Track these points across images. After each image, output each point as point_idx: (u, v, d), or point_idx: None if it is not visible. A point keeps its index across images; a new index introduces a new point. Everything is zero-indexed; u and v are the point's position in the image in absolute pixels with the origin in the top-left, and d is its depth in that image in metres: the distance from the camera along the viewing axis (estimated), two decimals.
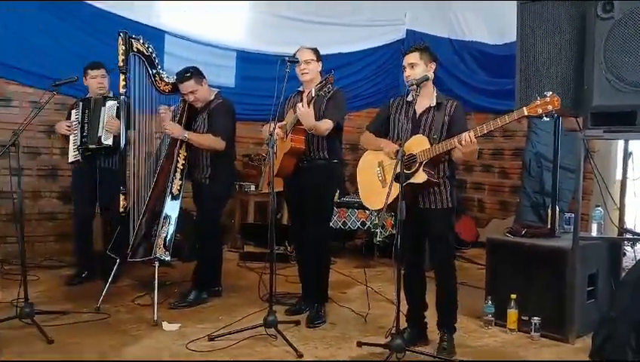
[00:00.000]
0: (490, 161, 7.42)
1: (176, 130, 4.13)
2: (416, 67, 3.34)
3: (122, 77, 4.11)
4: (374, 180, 3.47)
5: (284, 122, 3.91)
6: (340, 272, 5.23)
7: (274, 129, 3.62)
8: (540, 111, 2.97)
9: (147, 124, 4.23)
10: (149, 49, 4.16)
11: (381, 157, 3.45)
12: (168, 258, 4.09)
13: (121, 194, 4.22)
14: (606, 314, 3.13)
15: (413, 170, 3.24)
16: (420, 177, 3.23)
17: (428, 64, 3.35)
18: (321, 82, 3.68)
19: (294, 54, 3.89)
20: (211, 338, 3.52)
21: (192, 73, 4.15)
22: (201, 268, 4.38)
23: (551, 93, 2.98)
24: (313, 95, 3.66)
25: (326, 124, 3.77)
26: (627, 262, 4.50)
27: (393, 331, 3.18)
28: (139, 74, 4.15)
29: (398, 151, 3.13)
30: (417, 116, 3.38)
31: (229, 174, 4.43)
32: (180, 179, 4.19)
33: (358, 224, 5.84)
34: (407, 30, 7.80)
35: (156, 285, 3.92)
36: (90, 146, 4.59)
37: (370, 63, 7.65)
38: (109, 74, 4.70)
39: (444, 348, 3.39)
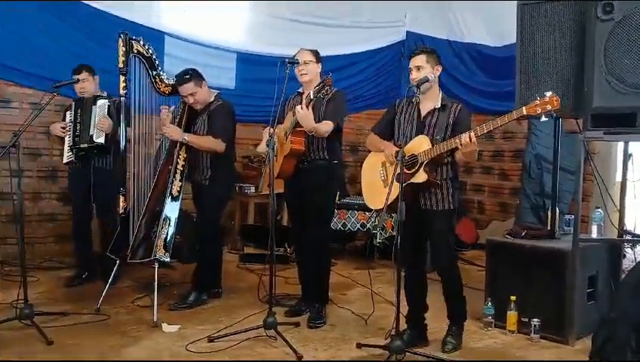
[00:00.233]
0: (490, 163, 7.42)
1: (175, 133, 4.13)
2: (422, 70, 3.35)
3: (122, 78, 4.12)
4: (377, 181, 3.49)
5: (282, 125, 3.91)
6: (340, 274, 5.23)
7: (273, 130, 3.63)
8: (539, 111, 2.98)
9: (147, 126, 4.23)
10: (149, 50, 4.17)
11: (384, 158, 3.47)
12: (168, 259, 4.10)
13: (120, 195, 4.23)
14: (606, 316, 3.11)
15: (414, 170, 3.25)
16: (421, 177, 3.24)
17: (434, 67, 3.37)
18: (319, 84, 3.68)
19: (294, 56, 3.90)
20: (211, 340, 3.51)
21: (191, 75, 4.15)
22: (201, 269, 4.38)
23: (551, 93, 2.98)
24: (311, 97, 3.66)
25: (326, 126, 3.77)
26: (627, 263, 4.49)
27: (393, 332, 3.18)
28: (139, 75, 4.16)
29: (397, 153, 3.14)
30: (422, 117, 3.40)
31: (229, 176, 4.43)
32: (179, 181, 4.19)
33: (358, 226, 5.84)
34: (407, 32, 7.80)
35: (156, 286, 3.92)
36: (82, 146, 4.58)
37: (370, 65, 7.65)
38: (93, 75, 4.66)
39: (448, 343, 3.44)
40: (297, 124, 3.74)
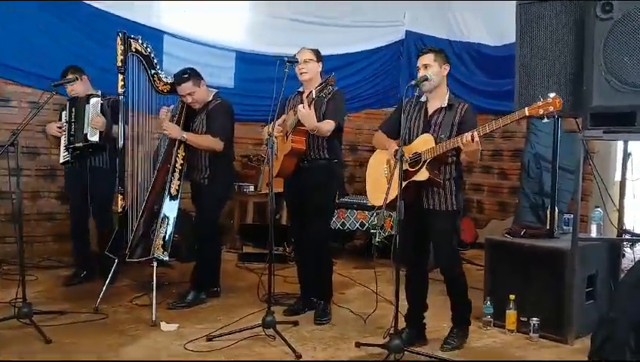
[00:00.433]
0: (490, 162, 7.42)
1: (174, 131, 4.12)
2: (430, 68, 3.35)
3: (121, 77, 4.11)
4: (381, 178, 3.50)
5: (281, 119, 3.90)
6: (339, 273, 5.22)
7: (272, 129, 3.62)
8: (541, 111, 2.97)
9: (145, 124, 4.23)
10: (148, 49, 4.17)
11: (389, 156, 3.47)
12: (167, 258, 4.09)
13: (119, 194, 4.22)
14: (605, 315, 3.11)
15: (417, 168, 3.25)
16: (423, 175, 3.25)
17: (442, 66, 3.38)
18: (321, 84, 3.68)
19: (295, 55, 3.89)
20: (209, 339, 3.51)
21: (190, 75, 4.14)
22: (199, 268, 4.37)
23: (554, 94, 2.97)
24: (314, 96, 3.65)
25: (328, 125, 3.77)
26: (626, 263, 4.50)
27: (392, 331, 3.18)
28: (137, 74, 4.16)
29: (396, 151, 3.14)
30: (429, 116, 3.41)
31: (227, 175, 4.43)
32: (178, 180, 4.19)
33: (357, 225, 5.83)
34: (406, 31, 7.80)
35: (154, 285, 3.92)
36: (77, 145, 4.57)
37: (369, 64, 7.64)
38: (80, 77, 4.61)
39: (448, 343, 3.43)
40: (299, 123, 3.73)
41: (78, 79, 4.55)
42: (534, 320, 3.66)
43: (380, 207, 3.26)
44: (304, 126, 3.71)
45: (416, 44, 7.64)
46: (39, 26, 5.44)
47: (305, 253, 4.17)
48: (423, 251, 3.55)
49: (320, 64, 3.96)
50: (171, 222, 4.10)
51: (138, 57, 4.14)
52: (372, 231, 5.70)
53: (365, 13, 7.43)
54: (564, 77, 3.74)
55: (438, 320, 3.78)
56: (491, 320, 3.85)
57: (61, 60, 5.17)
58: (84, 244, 4.84)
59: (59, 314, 3.86)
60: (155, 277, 3.94)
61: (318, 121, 3.72)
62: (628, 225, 4.31)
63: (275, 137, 3.85)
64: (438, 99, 3.42)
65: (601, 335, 3.00)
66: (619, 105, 3.39)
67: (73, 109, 4.63)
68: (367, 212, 5.71)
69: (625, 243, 4.47)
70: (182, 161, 4.22)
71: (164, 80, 4.23)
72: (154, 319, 3.78)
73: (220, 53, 6.54)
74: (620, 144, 4.54)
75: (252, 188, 6.32)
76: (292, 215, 4.33)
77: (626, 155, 4.12)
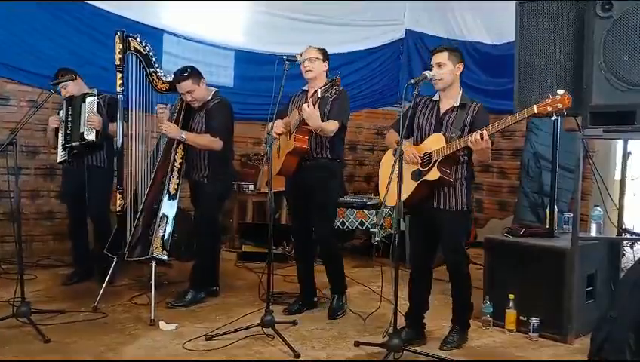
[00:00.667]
0: (489, 161, 7.39)
1: (173, 130, 4.11)
2: (444, 66, 3.35)
3: (119, 75, 4.10)
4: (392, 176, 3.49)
5: (286, 119, 3.89)
6: None
7: (272, 128, 3.61)
8: (549, 109, 2.95)
9: (144, 123, 4.22)
10: (146, 48, 4.15)
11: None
12: (165, 257, 4.08)
13: (117, 193, 4.21)
14: (605, 315, 3.12)
15: (428, 167, 3.24)
16: (434, 175, 3.24)
17: (456, 64, 3.39)
18: (327, 83, 3.63)
19: (301, 53, 3.88)
20: (208, 338, 3.50)
21: (190, 73, 4.13)
22: (198, 267, 4.36)
23: (563, 91, 2.94)
24: (319, 96, 3.63)
25: (332, 125, 3.76)
26: (626, 262, 4.49)
27: (391, 330, 3.17)
28: (136, 73, 4.15)
29: (395, 150, 3.13)
30: (441, 115, 3.40)
31: (227, 174, 4.41)
32: (177, 179, 4.18)
33: (357, 224, 5.82)
34: (406, 30, 7.78)
35: (153, 284, 3.91)
36: (75, 144, 4.56)
37: (368, 63, 7.61)
38: (74, 77, 4.58)
39: (448, 342, 3.43)
40: (303, 122, 3.71)
41: (75, 78, 4.54)
42: (534, 320, 3.65)
43: (391, 207, 3.24)
44: (308, 125, 3.70)
45: (415, 43, 7.63)
46: (38, 24, 5.42)
47: (305, 252, 4.16)
48: (431, 251, 3.54)
49: (326, 63, 3.95)
50: (170, 221, 4.10)
51: (137, 56, 4.13)
52: (372, 230, 5.69)
53: (365, 12, 7.42)
54: (563, 75, 3.73)
55: (438, 319, 3.78)
56: (491, 319, 3.85)
57: (60, 59, 5.18)
58: (83, 243, 4.82)
59: (58, 313, 3.85)
60: (154, 277, 3.93)
61: (322, 121, 3.71)
62: (628, 224, 4.31)
63: (278, 135, 3.85)
64: (450, 98, 3.42)
65: (601, 334, 3.01)
66: (619, 103, 3.39)
67: (69, 109, 4.62)
68: (366, 211, 5.70)
69: (625, 242, 4.46)
70: (181, 160, 4.21)
71: (163, 78, 4.21)
72: (153, 318, 3.77)
73: (219, 52, 6.53)
74: (620, 143, 4.54)
75: (251, 187, 6.31)
76: (293, 213, 4.33)
77: (626, 154, 4.11)
